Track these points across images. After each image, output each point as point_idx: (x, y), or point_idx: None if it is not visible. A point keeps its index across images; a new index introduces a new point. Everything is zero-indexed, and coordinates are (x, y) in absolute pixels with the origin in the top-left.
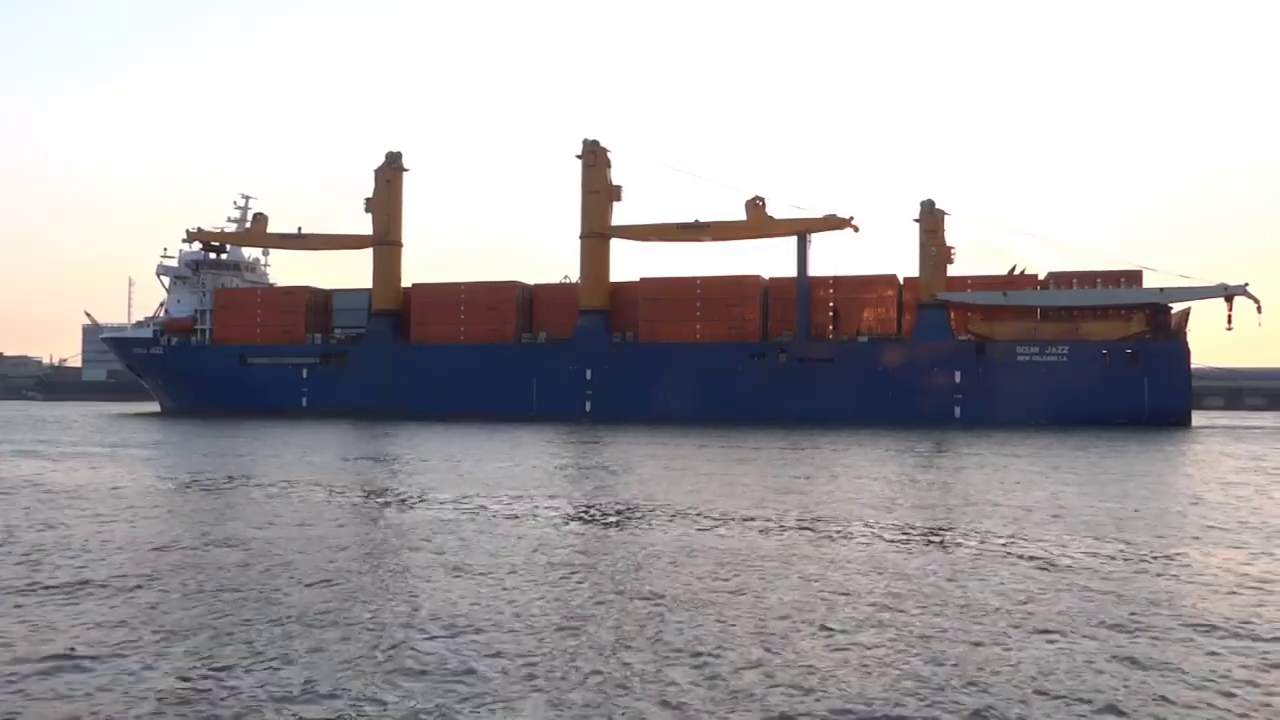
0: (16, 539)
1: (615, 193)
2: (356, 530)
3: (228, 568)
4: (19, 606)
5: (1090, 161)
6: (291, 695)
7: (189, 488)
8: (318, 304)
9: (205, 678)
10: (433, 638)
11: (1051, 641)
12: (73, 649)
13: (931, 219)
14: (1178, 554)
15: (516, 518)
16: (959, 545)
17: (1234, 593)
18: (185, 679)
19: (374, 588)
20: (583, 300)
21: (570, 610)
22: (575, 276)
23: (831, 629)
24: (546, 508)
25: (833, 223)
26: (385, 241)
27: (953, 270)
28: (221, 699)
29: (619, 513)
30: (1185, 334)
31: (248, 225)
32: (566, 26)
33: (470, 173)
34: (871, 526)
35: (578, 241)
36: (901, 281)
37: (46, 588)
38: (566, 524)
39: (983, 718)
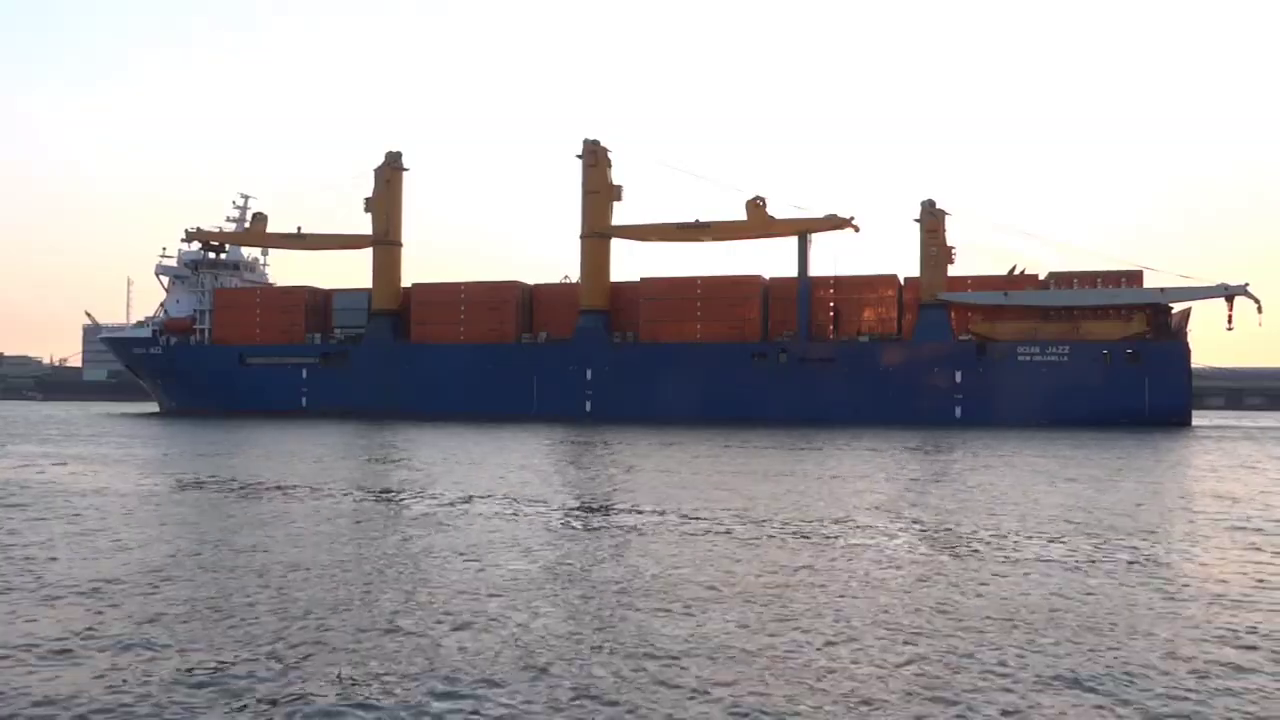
0: None
1: (615, 193)
2: (351, 535)
3: (184, 565)
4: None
5: (1090, 161)
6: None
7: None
8: (317, 304)
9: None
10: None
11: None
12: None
13: (932, 219)
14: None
15: (518, 520)
16: (976, 546)
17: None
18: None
19: (368, 590)
20: (583, 300)
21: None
22: (575, 276)
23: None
24: (552, 511)
25: (833, 223)
26: (385, 241)
27: (953, 270)
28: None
29: (620, 515)
30: (1186, 334)
31: (247, 225)
32: (566, 26)
33: (470, 173)
34: (889, 529)
35: (578, 241)
36: (902, 281)
37: None
38: (569, 529)
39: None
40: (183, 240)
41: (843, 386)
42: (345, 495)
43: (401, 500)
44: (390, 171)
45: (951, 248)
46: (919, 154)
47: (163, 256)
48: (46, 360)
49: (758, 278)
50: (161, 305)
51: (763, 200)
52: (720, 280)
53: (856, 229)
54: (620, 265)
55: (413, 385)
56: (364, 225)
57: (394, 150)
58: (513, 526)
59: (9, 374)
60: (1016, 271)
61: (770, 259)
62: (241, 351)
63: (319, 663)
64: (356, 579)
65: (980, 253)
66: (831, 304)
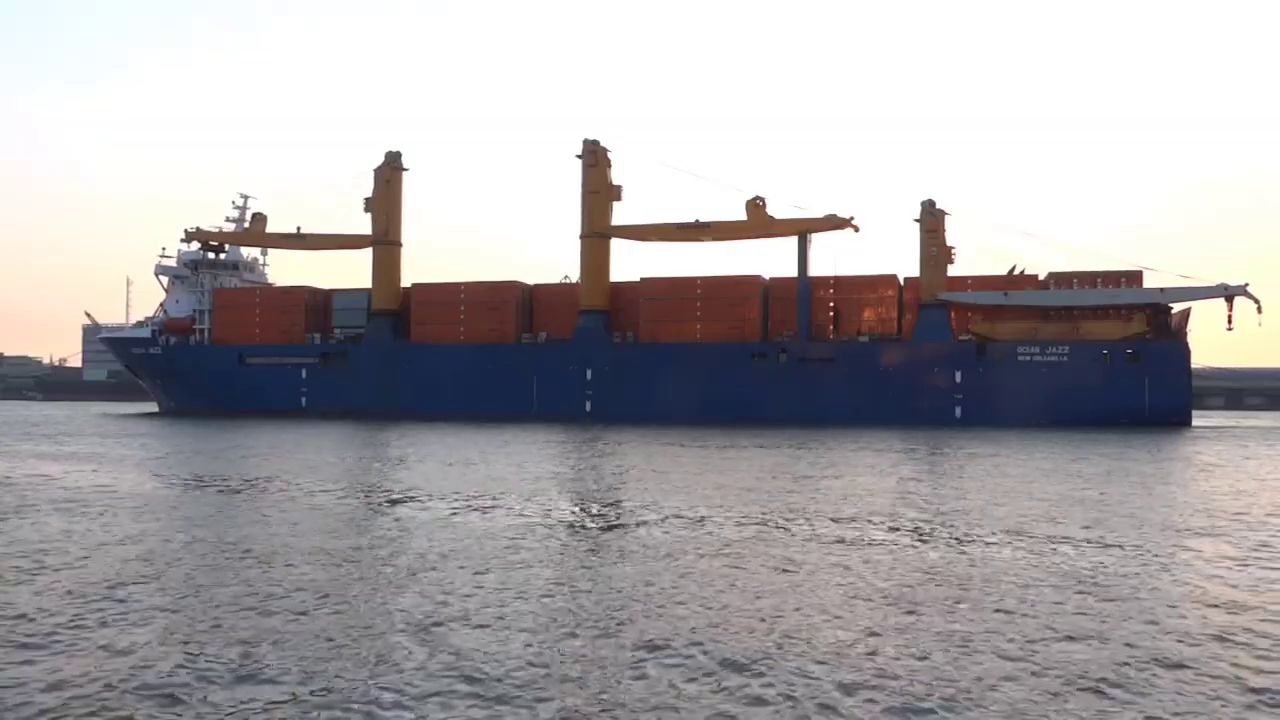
0: None
1: (615, 192)
2: (349, 535)
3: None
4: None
5: (1090, 161)
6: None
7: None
8: (317, 304)
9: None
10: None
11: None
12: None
13: (932, 219)
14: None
15: (521, 522)
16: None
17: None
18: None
19: (365, 591)
20: (583, 300)
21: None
22: (575, 276)
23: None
24: (557, 514)
25: (833, 223)
26: (385, 241)
27: (953, 270)
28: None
29: (623, 516)
30: (1186, 334)
31: (246, 225)
32: (566, 27)
33: (470, 173)
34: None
35: (578, 241)
36: (902, 281)
37: None
38: (575, 532)
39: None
40: (182, 240)
41: (843, 386)
42: (341, 497)
43: (400, 502)
44: (390, 171)
45: (951, 248)
46: (919, 154)
47: (162, 256)
48: (46, 360)
49: (758, 278)
50: (161, 305)
51: (763, 200)
52: (720, 280)
53: (856, 229)
54: (620, 265)
55: (412, 385)
56: (364, 225)
57: (394, 150)
58: (509, 530)
59: (9, 374)
60: (1016, 271)
61: (770, 259)
62: (241, 351)
63: (290, 665)
64: (344, 584)
65: (980, 253)
66: (831, 304)
